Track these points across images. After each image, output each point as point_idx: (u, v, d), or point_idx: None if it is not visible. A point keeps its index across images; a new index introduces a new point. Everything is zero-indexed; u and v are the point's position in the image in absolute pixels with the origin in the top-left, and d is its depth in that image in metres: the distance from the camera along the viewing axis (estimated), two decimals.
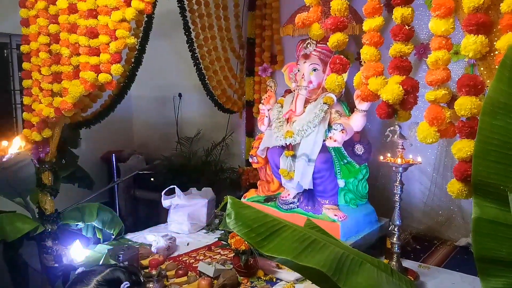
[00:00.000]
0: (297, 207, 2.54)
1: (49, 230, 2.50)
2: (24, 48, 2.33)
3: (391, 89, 1.25)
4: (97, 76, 2.02)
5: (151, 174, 3.98)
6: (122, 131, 4.89)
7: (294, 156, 2.48)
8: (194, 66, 3.20)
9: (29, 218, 2.58)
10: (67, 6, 2.09)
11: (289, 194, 2.59)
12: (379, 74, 1.30)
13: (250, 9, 3.51)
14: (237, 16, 3.48)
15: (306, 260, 0.93)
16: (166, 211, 3.03)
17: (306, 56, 2.44)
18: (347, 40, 1.41)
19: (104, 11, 1.94)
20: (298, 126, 2.43)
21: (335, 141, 2.21)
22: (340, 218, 2.37)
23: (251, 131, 3.73)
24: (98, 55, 2.01)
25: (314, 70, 2.43)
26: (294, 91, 2.57)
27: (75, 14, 2.07)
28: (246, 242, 2.13)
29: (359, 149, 2.42)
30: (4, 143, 1.52)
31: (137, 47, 2.87)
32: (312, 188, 2.46)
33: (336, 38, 1.38)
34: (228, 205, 1.01)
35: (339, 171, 2.47)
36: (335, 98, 2.36)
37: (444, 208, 2.73)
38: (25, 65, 2.36)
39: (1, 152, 1.48)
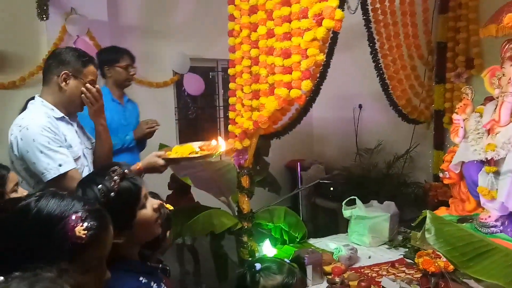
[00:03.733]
0: (500, 232, 2.20)
1: (245, 227, 2.83)
2: (231, 71, 2.75)
3: None
4: (289, 92, 2.23)
5: (330, 183, 4.10)
6: (303, 141, 5.18)
7: (496, 173, 2.17)
8: (377, 77, 3.16)
9: (231, 215, 3.00)
10: (266, 32, 2.38)
11: (489, 216, 2.26)
12: None
13: (442, 12, 3.26)
14: (426, 21, 3.28)
15: None
16: (344, 221, 3.06)
17: None
18: None
19: (297, 33, 2.13)
20: (503, 139, 2.11)
21: None
22: None
23: (441, 144, 3.43)
24: (291, 73, 2.21)
25: None
26: (497, 98, 2.26)
27: (272, 38, 2.34)
28: (436, 264, 1.97)
29: None
30: (213, 142, 1.89)
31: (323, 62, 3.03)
32: None
33: None
34: (428, 220, 0.97)
35: None
36: None
37: None
38: (231, 85, 2.78)
39: (211, 149, 1.88)
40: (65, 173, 1.74)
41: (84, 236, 0.91)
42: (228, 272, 3.15)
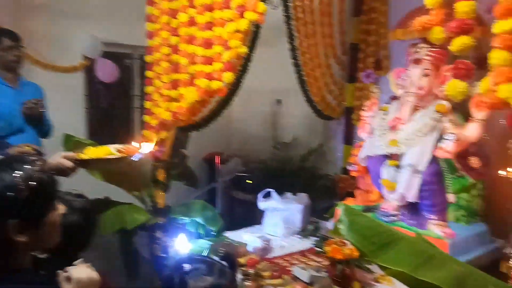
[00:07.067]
0: (399, 220, 2.42)
1: (160, 222, 2.73)
2: (148, 58, 2.61)
3: None
4: (210, 83, 2.18)
5: (248, 176, 4.15)
6: (222, 134, 5.15)
7: (398, 166, 2.37)
8: (296, 73, 3.25)
9: (144, 210, 2.86)
10: (187, 20, 2.29)
11: (390, 206, 2.48)
12: (511, 81, 1.18)
13: (356, 15, 3.46)
14: (341, 22, 3.45)
15: (425, 275, 0.88)
16: (261, 212, 3.12)
17: (417, 61, 2.31)
18: (474, 44, 1.31)
19: (219, 23, 2.09)
20: (405, 135, 2.32)
21: (447, 152, 2.07)
22: (448, 235, 2.20)
23: (350, 139, 3.66)
24: (212, 64, 2.16)
25: (426, 75, 2.31)
26: (401, 97, 2.47)
27: (193, 27, 2.26)
28: (343, 252, 2.09)
29: (474, 162, 2.22)
30: (135, 144, 1.72)
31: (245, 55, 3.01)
32: (417, 201, 2.32)
33: (461, 42, 1.30)
34: (342, 212, 1.01)
35: (449, 184, 2.29)
36: (449, 106, 2.20)
37: None
38: (148, 73, 2.64)
39: (131, 152, 1.67)
40: None
41: None
42: (140, 269, 3.02)
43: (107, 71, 4.13)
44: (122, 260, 3.10)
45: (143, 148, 1.67)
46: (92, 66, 4.11)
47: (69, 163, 1.50)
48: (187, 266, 1.26)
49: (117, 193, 2.99)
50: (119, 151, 1.63)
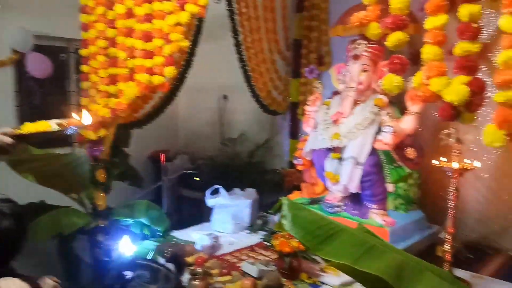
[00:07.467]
0: (343, 211, 2.50)
1: (101, 225, 2.60)
2: (83, 52, 2.46)
3: (456, 90, 1.19)
4: (151, 78, 2.09)
5: (195, 173, 4.08)
6: (168, 131, 5.02)
7: (340, 159, 2.44)
8: (241, 68, 3.23)
9: (83, 213, 2.70)
10: (124, 12, 2.18)
11: (334, 197, 2.55)
12: (442, 75, 1.25)
13: (298, 11, 3.50)
14: (285, 18, 3.48)
15: (365, 265, 0.91)
16: (209, 210, 3.08)
17: (357, 57, 2.39)
18: (408, 39, 1.37)
19: (159, 16, 2.01)
20: (346, 128, 2.39)
21: (385, 144, 2.16)
22: (388, 223, 2.31)
23: (295, 133, 3.71)
24: (152, 58, 2.08)
25: (364, 71, 2.39)
26: (342, 92, 2.54)
27: (132, 19, 2.16)
28: (290, 245, 2.12)
29: (410, 153, 2.34)
30: (75, 116, 1.61)
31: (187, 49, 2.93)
32: (359, 191, 2.40)
33: (396, 38, 1.35)
34: (284, 207, 1.00)
35: (388, 175, 2.40)
36: (386, 100, 2.30)
37: (501, 217, 2.58)
38: (84, 68, 2.48)
39: (72, 125, 1.58)
40: None
41: None
42: (80, 276, 2.86)
43: (39, 66, 3.84)
44: (62, 267, 2.91)
45: (83, 119, 1.57)
46: (23, 61, 3.81)
47: (8, 139, 1.44)
48: (129, 274, 1.19)
49: (56, 197, 2.80)
50: (59, 125, 1.55)
